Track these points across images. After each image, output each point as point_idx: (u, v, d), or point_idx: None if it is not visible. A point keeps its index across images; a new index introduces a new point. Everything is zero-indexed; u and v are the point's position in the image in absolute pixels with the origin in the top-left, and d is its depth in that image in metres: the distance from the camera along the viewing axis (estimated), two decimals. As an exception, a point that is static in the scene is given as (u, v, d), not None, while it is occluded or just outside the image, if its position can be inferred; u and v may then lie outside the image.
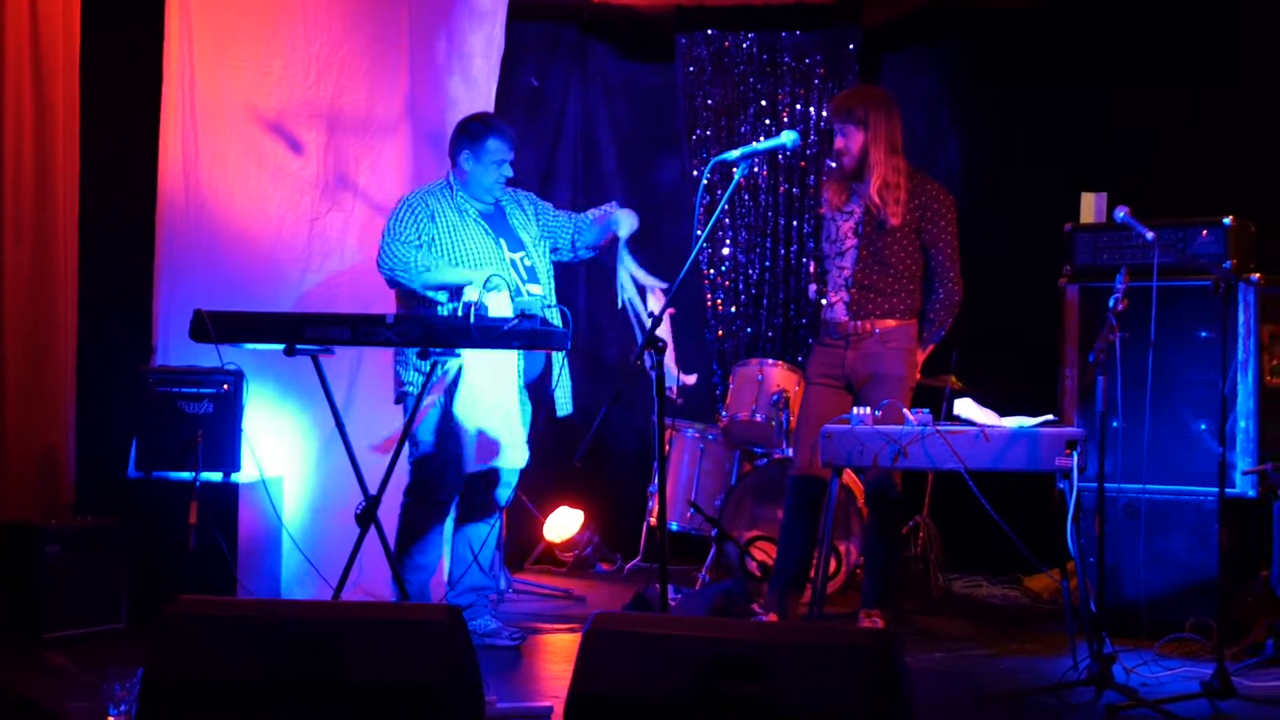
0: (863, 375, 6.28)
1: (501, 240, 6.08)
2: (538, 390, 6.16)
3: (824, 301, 6.43)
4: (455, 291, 5.83)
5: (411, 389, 5.97)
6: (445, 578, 6.39)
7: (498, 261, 5.98)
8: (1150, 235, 5.56)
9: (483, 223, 6.08)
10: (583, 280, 9.08)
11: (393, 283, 5.95)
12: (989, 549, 6.52)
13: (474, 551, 6.13)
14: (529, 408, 6.14)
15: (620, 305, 5.89)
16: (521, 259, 6.10)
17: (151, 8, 6.84)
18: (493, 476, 6.16)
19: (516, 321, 5.34)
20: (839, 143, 6.26)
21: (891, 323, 6.27)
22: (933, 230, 6.27)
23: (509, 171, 6.12)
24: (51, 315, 6.67)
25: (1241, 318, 6.37)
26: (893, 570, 6.45)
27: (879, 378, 6.23)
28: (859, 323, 6.27)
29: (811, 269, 6.60)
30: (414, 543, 6.02)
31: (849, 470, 6.76)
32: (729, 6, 8.86)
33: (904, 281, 6.28)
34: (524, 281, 6.02)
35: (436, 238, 5.96)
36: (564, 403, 6.23)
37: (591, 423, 5.36)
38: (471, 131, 6.11)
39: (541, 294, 6.01)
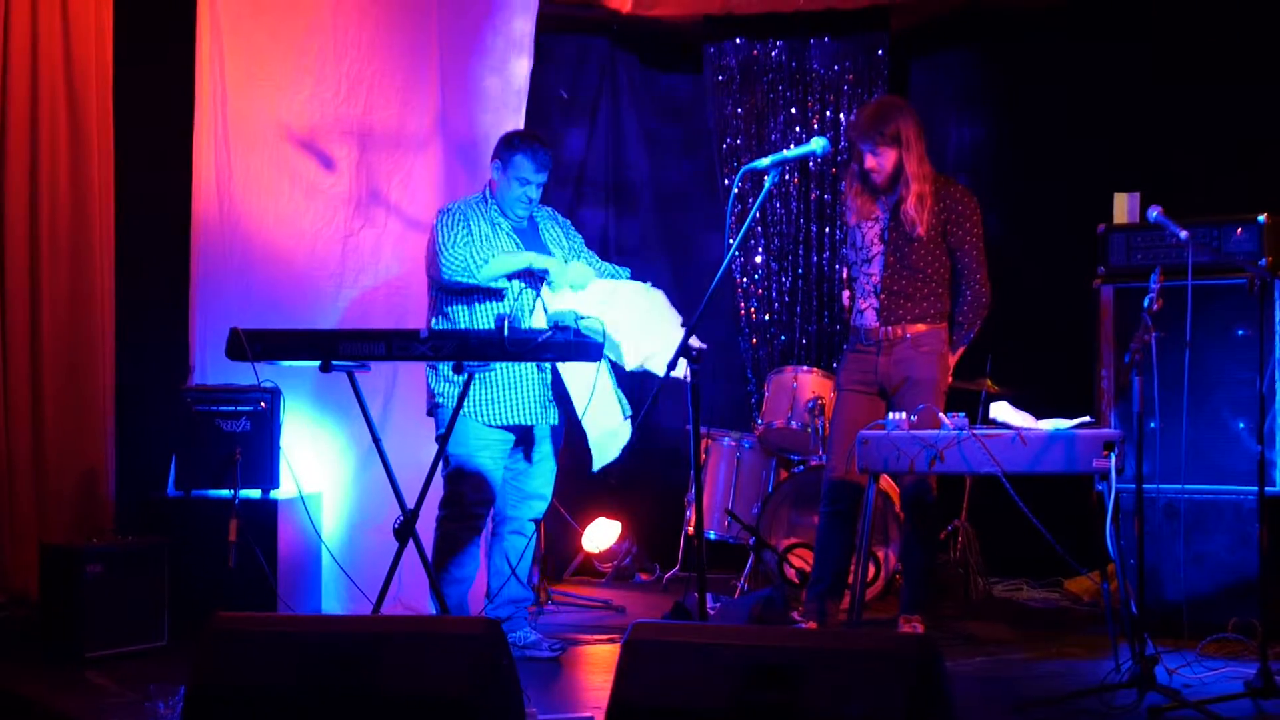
0: (896, 380, 6.27)
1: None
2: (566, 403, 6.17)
3: (856, 308, 6.41)
4: (521, 276, 5.97)
5: (443, 400, 6.01)
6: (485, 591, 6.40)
7: (524, 276, 6.02)
8: (1184, 234, 5.53)
9: (514, 236, 6.11)
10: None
11: (454, 286, 5.97)
12: (1028, 552, 6.48)
13: (511, 564, 6.15)
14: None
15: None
16: None
17: (183, 29, 6.88)
18: (521, 484, 6.19)
19: (550, 333, 5.33)
20: (871, 162, 6.21)
21: (922, 327, 6.26)
22: (958, 233, 6.26)
23: (533, 193, 6.12)
24: (89, 337, 6.72)
25: (1278, 315, 6.34)
26: (931, 575, 6.44)
27: (912, 382, 6.23)
28: (889, 328, 6.27)
29: (844, 275, 6.59)
30: (450, 556, 6.04)
31: (885, 475, 6.74)
32: (757, 15, 8.85)
33: (932, 286, 6.27)
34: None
35: (469, 246, 6.01)
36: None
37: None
38: (508, 143, 6.16)
39: (566, 310, 5.98)
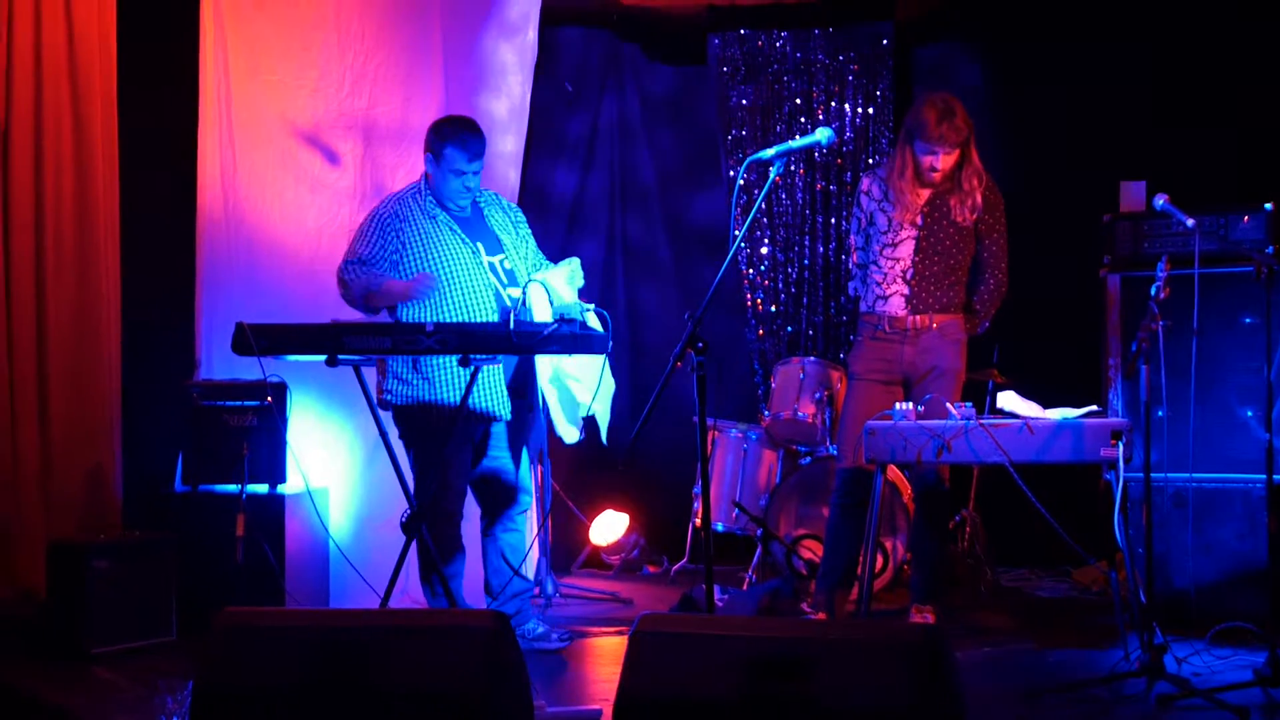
0: (922, 370, 6.26)
1: (479, 244, 5.99)
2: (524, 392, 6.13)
3: (876, 294, 6.35)
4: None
5: (389, 395, 5.91)
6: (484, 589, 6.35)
7: (473, 268, 5.90)
8: (1190, 222, 5.52)
9: (457, 229, 5.97)
10: (621, 284, 9.08)
11: (360, 309, 5.91)
12: (1036, 542, 6.48)
13: (509, 562, 6.09)
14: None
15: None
16: (500, 262, 6.01)
17: (187, 26, 6.87)
18: (501, 480, 6.16)
19: (556, 326, 5.30)
20: (942, 162, 6.16)
21: (947, 316, 6.26)
22: (989, 220, 6.27)
23: (471, 182, 5.96)
24: (95, 332, 6.72)
25: (1285, 303, 6.33)
26: (941, 565, 6.43)
27: (939, 371, 6.22)
28: (917, 317, 6.25)
29: (851, 264, 6.58)
30: (435, 555, 5.96)
31: (893, 466, 6.73)
32: (761, 6, 8.85)
33: (959, 274, 6.28)
34: (504, 285, 5.95)
35: (409, 244, 5.88)
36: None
37: (634, 426, 5.34)
38: (437, 134, 5.98)
39: (520, 297, 5.91)
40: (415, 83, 7.22)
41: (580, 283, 5.97)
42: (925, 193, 6.27)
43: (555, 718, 4.84)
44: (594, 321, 5.69)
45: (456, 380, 5.83)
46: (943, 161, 6.18)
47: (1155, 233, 6.55)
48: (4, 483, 6.49)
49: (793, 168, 8.85)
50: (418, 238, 5.89)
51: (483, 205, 6.14)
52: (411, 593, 6.69)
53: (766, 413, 7.78)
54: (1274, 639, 5.11)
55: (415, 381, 5.86)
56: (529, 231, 6.28)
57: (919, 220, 6.25)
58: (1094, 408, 5.62)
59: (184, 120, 6.89)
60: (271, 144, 6.99)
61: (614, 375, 6.17)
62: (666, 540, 8.66)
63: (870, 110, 8.82)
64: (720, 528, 7.85)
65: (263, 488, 6.40)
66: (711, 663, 3.42)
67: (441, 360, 5.80)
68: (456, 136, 5.91)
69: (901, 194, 6.28)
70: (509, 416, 5.95)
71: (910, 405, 5.75)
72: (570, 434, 6.11)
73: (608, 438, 6.19)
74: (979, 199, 6.22)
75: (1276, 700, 5.01)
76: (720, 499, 7.86)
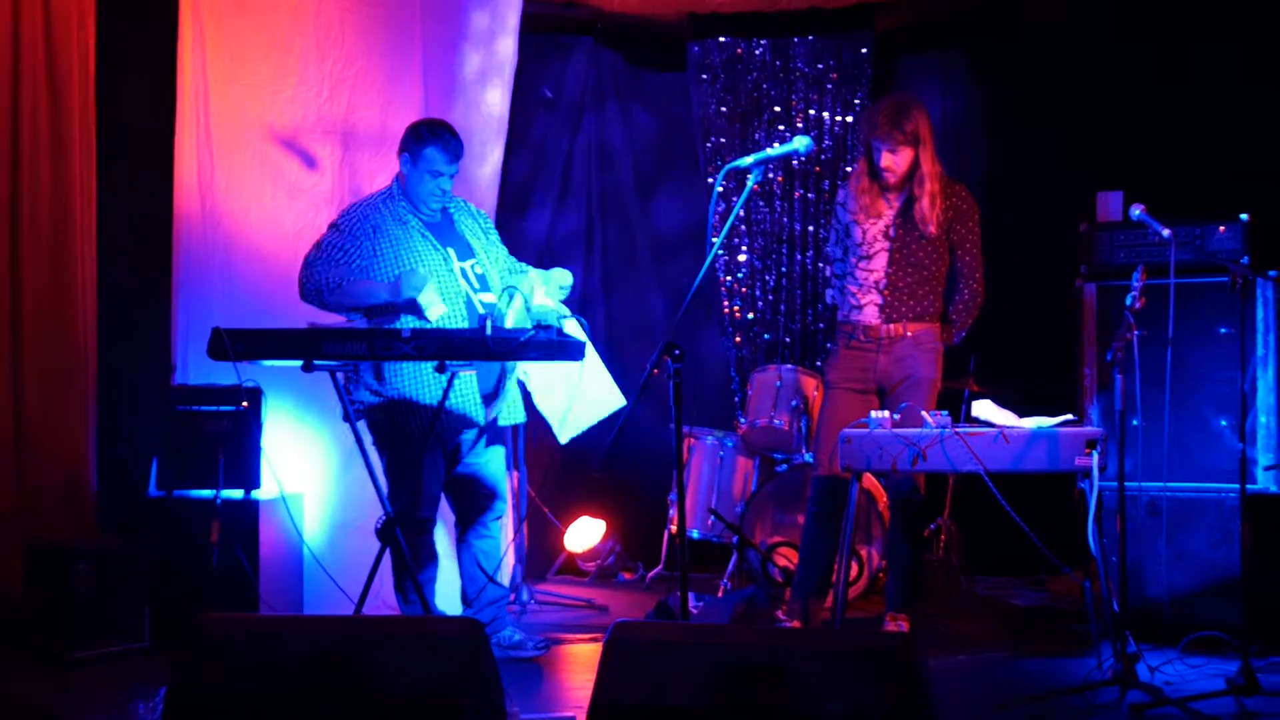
0: (896, 379, 6.26)
1: (450, 249, 5.96)
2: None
3: (851, 304, 6.37)
4: (393, 307, 5.77)
5: (360, 406, 5.83)
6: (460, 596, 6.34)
7: (444, 273, 5.86)
8: (1167, 232, 5.55)
9: (428, 234, 5.95)
10: (599, 291, 9.08)
11: (319, 303, 5.82)
12: (1011, 550, 6.49)
13: (483, 568, 6.07)
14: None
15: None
16: (472, 266, 5.98)
17: (165, 27, 6.86)
18: (475, 486, 6.13)
19: (533, 332, 5.30)
20: (887, 160, 6.18)
21: (921, 326, 6.26)
22: (961, 230, 6.27)
23: (446, 185, 5.96)
24: (71, 336, 6.70)
25: (1261, 313, 6.36)
26: (916, 574, 6.43)
27: (913, 380, 6.22)
28: (891, 326, 6.25)
29: (827, 273, 6.59)
30: (408, 563, 5.94)
31: (868, 474, 6.74)
32: (741, 13, 8.85)
33: (933, 284, 6.28)
34: (475, 290, 5.91)
35: (380, 251, 5.83)
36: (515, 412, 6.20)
37: (610, 433, 5.34)
38: (416, 135, 5.97)
39: (494, 302, 5.90)
40: (395, 89, 7.22)
41: (562, 293, 5.97)
42: (895, 202, 6.28)
43: (529, 724, 4.85)
44: (572, 328, 5.68)
45: (427, 387, 5.82)
46: (889, 159, 6.18)
47: (1131, 242, 6.58)
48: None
49: (771, 175, 8.86)
50: (389, 244, 5.85)
51: (452, 211, 6.13)
52: (386, 599, 6.66)
53: (743, 420, 7.78)
54: (1246, 648, 5.13)
55: (385, 389, 5.83)
56: (498, 237, 6.28)
57: (891, 232, 6.27)
58: (1069, 417, 5.63)
59: (161, 124, 6.88)
60: (249, 147, 6.98)
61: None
62: (642, 547, 8.66)
63: (849, 119, 8.83)
64: (696, 535, 7.85)
65: (237, 493, 6.39)
66: (686, 670, 3.42)
67: (412, 366, 5.78)
68: (437, 137, 5.92)
69: (863, 196, 6.31)
70: (483, 422, 5.94)
71: (886, 414, 5.76)
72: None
73: (574, 440, 6.20)
74: (936, 211, 6.19)
75: (1248, 709, 5.03)
76: (696, 506, 7.87)
